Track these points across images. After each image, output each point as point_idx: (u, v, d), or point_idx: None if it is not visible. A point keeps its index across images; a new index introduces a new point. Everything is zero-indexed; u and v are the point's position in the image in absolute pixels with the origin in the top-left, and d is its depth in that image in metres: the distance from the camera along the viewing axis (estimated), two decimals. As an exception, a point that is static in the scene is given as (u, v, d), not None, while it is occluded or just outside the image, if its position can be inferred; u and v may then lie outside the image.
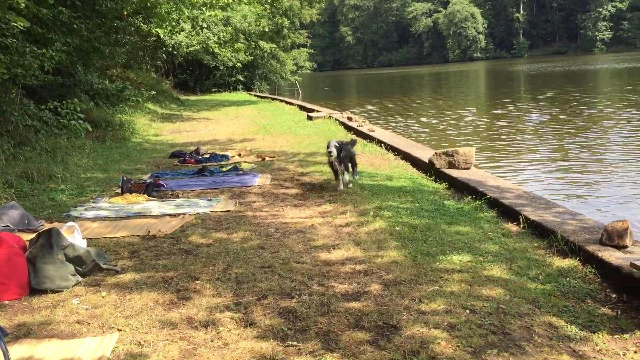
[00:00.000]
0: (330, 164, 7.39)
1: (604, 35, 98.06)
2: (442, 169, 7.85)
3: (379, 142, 11.19)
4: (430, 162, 8.11)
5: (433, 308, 3.70)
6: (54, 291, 4.26)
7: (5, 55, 8.28)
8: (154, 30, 16.86)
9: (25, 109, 10.36)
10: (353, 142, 7.94)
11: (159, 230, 5.80)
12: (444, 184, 7.51)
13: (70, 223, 4.96)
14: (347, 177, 7.30)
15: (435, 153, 8.13)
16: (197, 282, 4.37)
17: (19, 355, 3.25)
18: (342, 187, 7.26)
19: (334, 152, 7.01)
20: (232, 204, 6.90)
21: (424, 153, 9.20)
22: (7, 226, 5.69)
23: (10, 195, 7.09)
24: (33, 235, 4.74)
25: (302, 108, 21.26)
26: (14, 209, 6.00)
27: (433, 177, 7.94)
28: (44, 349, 3.38)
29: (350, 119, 15.11)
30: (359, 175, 7.70)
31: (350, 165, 7.40)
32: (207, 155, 10.68)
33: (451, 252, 4.77)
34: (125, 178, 7.88)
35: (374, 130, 12.67)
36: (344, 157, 7.21)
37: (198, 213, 6.50)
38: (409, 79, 55.17)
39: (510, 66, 65.52)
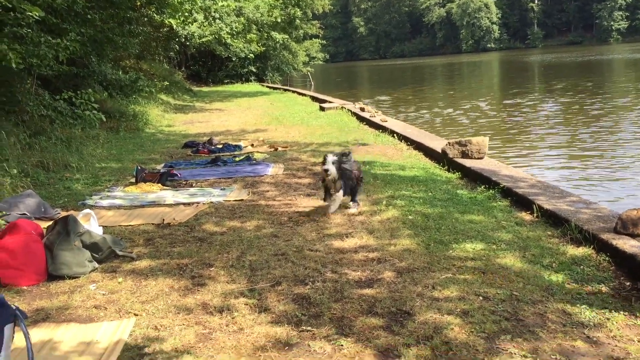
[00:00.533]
0: (324, 182, 5.80)
1: (619, 25, 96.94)
2: (455, 159, 7.83)
3: (392, 133, 11.18)
4: (443, 152, 8.10)
5: (446, 295, 3.72)
6: (71, 277, 4.32)
7: (21, 45, 8.35)
8: (166, 21, 16.92)
9: (40, 99, 10.45)
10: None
11: (173, 219, 5.85)
12: (457, 173, 7.49)
13: (87, 210, 5.02)
14: (348, 201, 5.79)
15: (448, 143, 8.11)
16: (211, 269, 4.42)
17: (38, 339, 3.31)
18: (333, 209, 5.74)
19: (332, 171, 5.51)
20: (245, 193, 6.94)
21: (437, 143, 9.18)
22: (24, 214, 5.76)
23: (27, 184, 7.18)
24: (50, 223, 4.81)
25: (314, 99, 21.25)
26: (30, 197, 6.08)
27: (446, 167, 7.93)
28: (63, 332, 3.44)
29: (362, 109, 15.10)
30: (357, 208, 5.92)
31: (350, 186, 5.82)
32: (220, 146, 10.73)
33: (464, 240, 4.77)
34: (139, 167, 7.94)
35: (386, 121, 12.66)
36: (346, 176, 5.69)
37: (212, 202, 6.54)
38: (421, 70, 54.89)
39: (524, 57, 64.99)
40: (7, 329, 2.71)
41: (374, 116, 13.54)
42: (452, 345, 3.06)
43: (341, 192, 5.70)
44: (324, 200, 5.90)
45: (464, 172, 7.41)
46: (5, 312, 2.71)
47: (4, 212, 5.78)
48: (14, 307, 2.79)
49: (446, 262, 4.29)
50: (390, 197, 6.30)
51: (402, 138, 10.52)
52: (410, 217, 5.51)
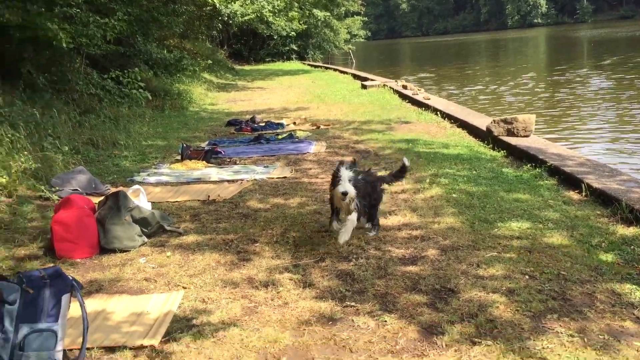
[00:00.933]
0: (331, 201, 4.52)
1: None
2: (500, 137, 7.71)
3: (435, 110, 11.05)
4: (488, 130, 7.97)
5: (491, 273, 3.70)
6: (122, 250, 4.46)
7: (70, 25, 8.56)
8: (209, 0, 16.99)
9: (89, 78, 10.70)
10: (386, 179, 4.86)
11: (218, 195, 5.96)
12: (502, 151, 7.38)
13: (136, 186, 5.15)
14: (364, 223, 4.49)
15: (494, 120, 7.98)
16: (256, 245, 4.49)
17: (92, 309, 3.44)
18: (345, 238, 4.20)
19: (351, 191, 4.12)
20: (288, 170, 6.99)
21: (481, 121, 9.03)
22: (76, 190, 5.95)
23: (78, 161, 7.40)
24: (101, 198, 4.95)
25: (356, 77, 21.13)
26: (82, 174, 6.27)
27: (491, 145, 7.81)
28: (115, 303, 3.57)
29: (405, 87, 14.95)
30: (377, 231, 4.57)
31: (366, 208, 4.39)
32: (263, 124, 10.81)
33: (510, 219, 4.72)
34: (184, 145, 8.08)
35: (429, 99, 12.51)
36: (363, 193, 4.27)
37: (255, 179, 6.62)
38: (465, 47, 53.84)
39: (572, 32, 62.95)
40: (64, 298, 2.83)
41: (417, 94, 13.39)
42: (497, 324, 3.05)
43: (355, 214, 4.23)
44: (331, 224, 4.51)
45: (509, 150, 7.29)
46: (62, 282, 2.83)
47: (57, 188, 5.99)
48: (71, 278, 2.91)
49: (491, 241, 4.26)
50: (433, 175, 6.26)
51: (446, 116, 10.38)
52: (454, 195, 5.47)
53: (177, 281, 3.88)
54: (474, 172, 6.36)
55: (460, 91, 18.95)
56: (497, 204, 5.11)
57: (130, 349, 3.01)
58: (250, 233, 4.77)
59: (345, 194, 4.10)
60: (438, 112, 10.82)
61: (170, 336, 3.13)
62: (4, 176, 5.79)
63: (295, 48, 37.34)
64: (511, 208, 5.00)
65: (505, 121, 7.79)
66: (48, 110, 8.22)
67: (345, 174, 4.13)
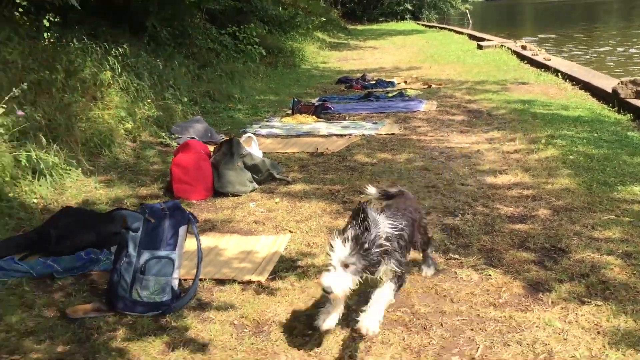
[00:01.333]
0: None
1: None
2: (628, 99, 7.17)
3: (555, 72, 10.44)
4: (614, 92, 7.44)
5: (607, 236, 3.51)
6: (234, 195, 4.68)
7: (191, -20, 8.90)
8: (325, -43, 16.95)
9: (208, 33, 11.10)
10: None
11: (327, 148, 6.05)
12: (629, 114, 6.87)
13: (249, 134, 5.34)
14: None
15: (621, 81, 7.43)
16: (362, 196, 4.53)
17: (205, 245, 3.65)
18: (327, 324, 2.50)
19: (337, 291, 2.35)
20: (397, 127, 6.95)
21: (607, 82, 8.43)
22: (193, 137, 6.26)
23: (196, 111, 7.78)
24: (216, 146, 5.18)
25: (471, 37, 20.34)
26: (199, 123, 6.60)
27: (616, 108, 7.29)
28: (227, 241, 3.78)
29: (524, 47, 14.21)
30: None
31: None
32: (373, 82, 10.75)
33: (632, 183, 4.42)
34: (295, 100, 8.23)
35: (550, 59, 11.82)
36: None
37: (363, 134, 6.64)
38: (592, 7, 50.06)
39: None
40: (182, 230, 3.03)
41: (536, 55, 12.69)
42: (610, 285, 2.92)
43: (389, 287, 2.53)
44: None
45: (637, 114, 6.77)
46: (180, 215, 3.03)
47: (177, 135, 6.35)
48: (188, 212, 3.11)
49: (609, 204, 4.03)
50: (549, 136, 5.97)
51: (567, 77, 9.79)
52: (571, 157, 5.20)
53: (284, 225, 4.03)
54: (595, 134, 5.99)
55: (584, 53, 17.71)
56: (619, 167, 4.81)
57: (239, 283, 3.19)
58: (357, 185, 4.82)
59: (326, 292, 2.40)
60: (559, 74, 10.22)
61: (276, 274, 3.27)
62: (130, 122, 6.22)
63: (410, 8, 36.48)
64: (634, 172, 4.68)
65: (634, 82, 7.23)
66: (170, 63, 8.65)
67: (336, 256, 2.38)
